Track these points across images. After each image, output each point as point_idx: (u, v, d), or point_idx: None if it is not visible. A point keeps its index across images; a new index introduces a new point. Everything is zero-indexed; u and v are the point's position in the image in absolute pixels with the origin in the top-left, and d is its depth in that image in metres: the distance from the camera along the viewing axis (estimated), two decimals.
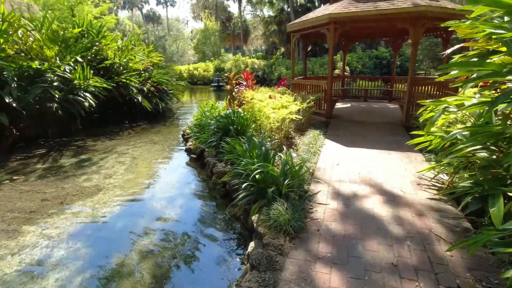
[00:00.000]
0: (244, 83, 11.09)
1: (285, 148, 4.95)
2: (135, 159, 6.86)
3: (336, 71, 21.72)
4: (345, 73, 15.06)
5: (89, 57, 10.55)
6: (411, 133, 4.81)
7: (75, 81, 8.36)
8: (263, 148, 4.14)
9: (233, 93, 8.51)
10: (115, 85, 9.94)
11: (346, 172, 4.47)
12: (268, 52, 40.40)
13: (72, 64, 9.12)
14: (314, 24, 7.84)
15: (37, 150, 7.51)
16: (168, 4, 77.29)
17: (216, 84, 25.54)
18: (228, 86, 8.50)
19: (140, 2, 71.43)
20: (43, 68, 7.83)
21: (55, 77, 8.42)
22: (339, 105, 10.42)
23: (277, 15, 35.72)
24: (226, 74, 8.67)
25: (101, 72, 10.49)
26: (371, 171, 4.48)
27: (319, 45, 31.93)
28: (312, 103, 7.26)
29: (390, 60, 22.90)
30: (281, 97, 7.57)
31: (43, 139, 8.61)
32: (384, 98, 11.77)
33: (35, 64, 7.75)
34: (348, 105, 10.72)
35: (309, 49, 35.27)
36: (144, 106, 10.81)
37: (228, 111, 6.18)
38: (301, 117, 5.96)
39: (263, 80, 28.12)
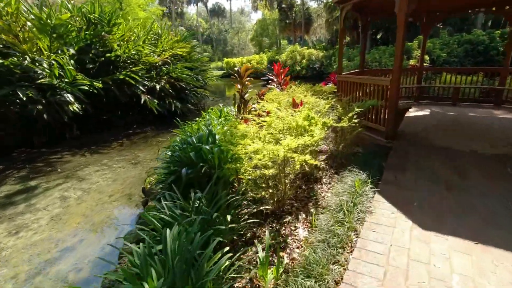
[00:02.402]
0: (275, 79, 8.34)
1: (267, 237, 2.19)
2: (85, 194, 4.77)
3: (411, 62, 17.19)
4: (424, 64, 10.95)
5: (96, 50, 8.96)
6: None
7: (44, 80, 6.65)
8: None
9: (245, 96, 5.85)
10: (111, 82, 8.12)
11: None
12: (330, 42, 36.15)
13: (66, 59, 7.53)
14: None
15: None
16: None
17: (266, 77, 23.12)
18: (238, 85, 5.87)
19: None
20: (5, 63, 6.25)
21: (42, 74, 6.90)
22: (411, 111, 6.91)
23: None
24: (236, 68, 6.05)
25: (105, 67, 8.82)
26: None
27: (391, 30, 26.73)
28: (356, 116, 4.18)
29: (489, 46, 17.18)
30: (322, 105, 4.70)
31: (22, 149, 7.20)
32: (487, 101, 7.75)
33: None
34: (427, 112, 7.12)
35: (378, 36, 30.29)
36: (151, 107, 8.86)
37: (198, 134, 3.59)
38: (316, 162, 2.95)
39: (320, 73, 24.77)
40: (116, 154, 6.72)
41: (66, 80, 6.95)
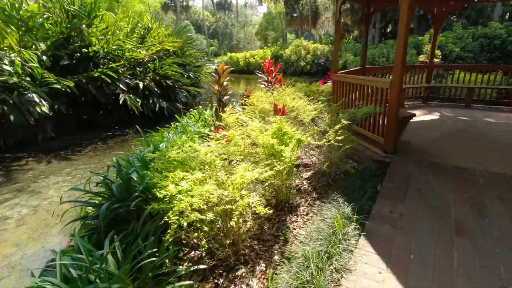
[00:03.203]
0: (265, 77, 7.56)
1: None
2: (31, 213, 4.12)
3: (421, 57, 16.10)
4: (435, 60, 9.90)
5: (74, 45, 8.28)
6: None
7: (1, 78, 6.02)
8: None
9: (223, 99, 5.10)
10: (85, 80, 7.45)
11: None
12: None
13: (30, 55, 6.87)
14: None
15: None
16: None
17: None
18: (216, 87, 5.11)
19: None
20: None
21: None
22: (418, 115, 6.02)
23: None
24: (214, 67, 5.30)
25: (83, 64, 8.15)
26: None
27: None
28: (342, 131, 3.39)
29: (507, 40, 15.91)
30: (308, 111, 3.95)
31: None
32: (506, 103, 6.82)
33: None
34: (436, 116, 6.25)
35: (388, 30, 28.98)
36: (131, 107, 8.19)
37: (143, 152, 2.86)
38: (267, 211, 2.14)
39: (325, 69, 23.83)
40: (84, 161, 6.07)
41: (28, 78, 6.29)
